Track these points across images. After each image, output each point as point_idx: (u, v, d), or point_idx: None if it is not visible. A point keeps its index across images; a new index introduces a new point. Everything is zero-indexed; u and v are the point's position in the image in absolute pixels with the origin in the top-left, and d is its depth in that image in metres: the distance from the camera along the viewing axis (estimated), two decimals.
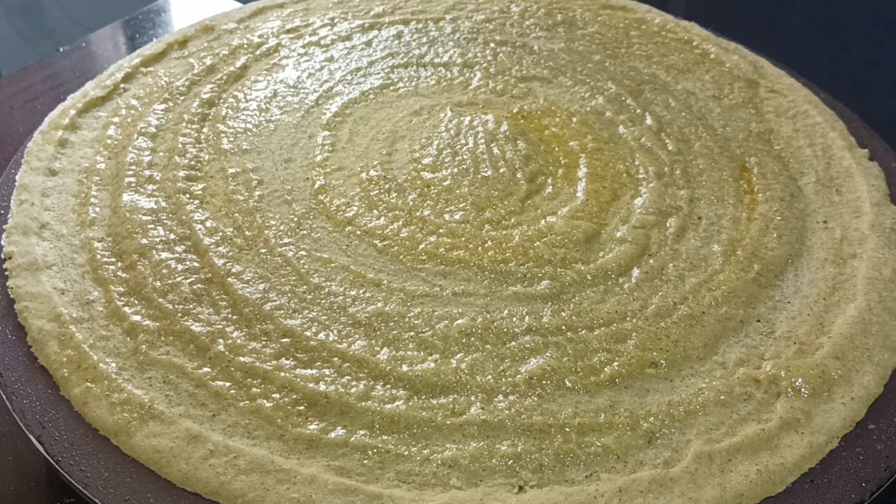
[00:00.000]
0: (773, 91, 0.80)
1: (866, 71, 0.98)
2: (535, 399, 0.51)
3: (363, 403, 0.51)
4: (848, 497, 0.48)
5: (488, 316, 0.57)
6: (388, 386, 0.52)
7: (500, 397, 0.51)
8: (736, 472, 0.48)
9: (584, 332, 0.56)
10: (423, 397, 0.51)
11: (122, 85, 0.80)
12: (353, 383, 0.52)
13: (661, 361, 0.54)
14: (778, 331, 0.57)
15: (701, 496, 0.47)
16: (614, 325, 0.56)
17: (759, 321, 0.58)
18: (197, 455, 0.48)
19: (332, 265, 0.60)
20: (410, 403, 0.51)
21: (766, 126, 0.76)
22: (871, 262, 0.61)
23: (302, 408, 0.51)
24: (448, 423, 0.50)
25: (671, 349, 0.55)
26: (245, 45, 0.86)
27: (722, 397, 0.52)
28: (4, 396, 0.52)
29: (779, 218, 0.65)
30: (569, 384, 0.52)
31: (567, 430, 0.50)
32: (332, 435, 0.49)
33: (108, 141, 0.72)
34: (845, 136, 0.74)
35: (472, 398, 0.51)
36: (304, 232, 0.63)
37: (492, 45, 0.87)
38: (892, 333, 0.57)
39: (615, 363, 0.54)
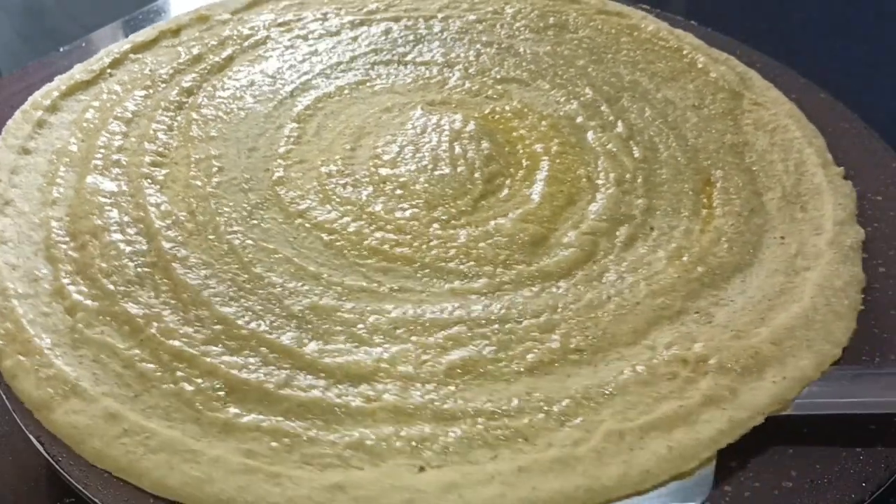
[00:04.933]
0: (756, 104, 0.78)
1: (866, 71, 0.96)
2: (453, 388, 0.51)
3: (282, 391, 0.51)
4: (848, 497, 0.47)
5: (419, 310, 0.56)
6: (310, 376, 0.52)
7: (418, 385, 0.52)
8: (646, 449, 0.47)
9: (511, 324, 0.55)
10: (342, 386, 0.52)
11: (108, 70, 0.81)
12: (276, 372, 0.52)
13: (586, 347, 0.54)
14: (716, 321, 0.56)
15: (603, 473, 0.46)
16: (543, 316, 0.56)
17: (697, 313, 0.57)
18: (111, 433, 0.49)
19: (276, 256, 0.61)
20: (328, 393, 0.51)
21: (742, 138, 0.74)
22: (823, 274, 0.59)
23: (222, 393, 0.51)
24: (360, 409, 0.50)
25: (599, 336, 0.55)
26: (234, 37, 0.87)
27: (644, 377, 0.51)
28: (4, 396, 0.53)
29: (732, 232, 0.64)
30: (488, 374, 0.52)
31: (478, 415, 0.49)
32: (246, 419, 0.50)
33: (85, 124, 0.74)
34: (822, 153, 0.71)
35: (390, 386, 0.52)
36: (255, 221, 0.64)
37: (477, 45, 0.87)
38: (837, 332, 0.55)
39: (537, 351, 0.53)
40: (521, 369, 0.52)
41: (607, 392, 0.51)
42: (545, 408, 0.50)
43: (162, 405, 0.51)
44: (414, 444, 0.48)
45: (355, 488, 0.46)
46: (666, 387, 0.51)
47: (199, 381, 0.52)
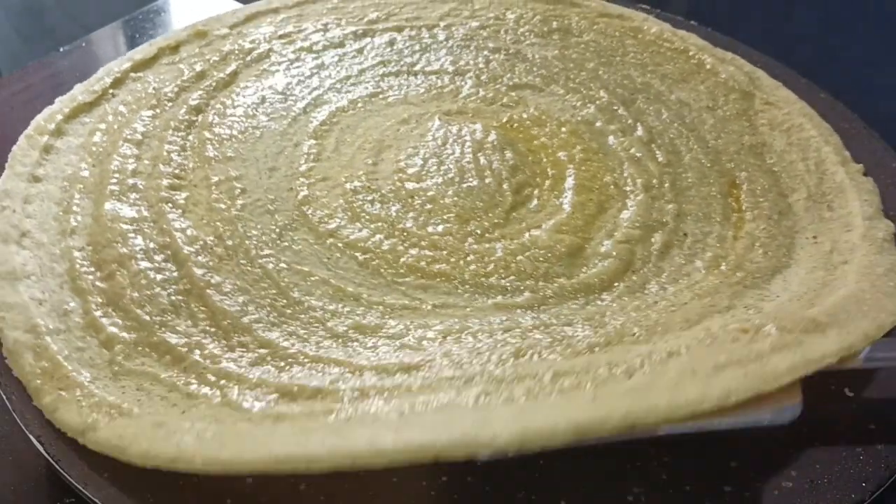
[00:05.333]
0: (768, 103, 0.79)
1: (866, 71, 0.97)
2: (511, 364, 0.50)
3: (336, 384, 0.50)
4: (848, 497, 0.47)
5: (466, 323, 0.56)
6: (366, 374, 0.51)
7: (477, 365, 0.50)
8: (723, 377, 0.46)
9: (563, 327, 0.55)
10: (398, 376, 0.51)
11: (110, 90, 0.79)
12: (328, 376, 0.52)
13: (641, 333, 0.53)
14: (766, 311, 0.56)
15: (683, 392, 0.45)
16: (594, 318, 0.56)
17: (745, 307, 0.57)
18: (159, 436, 0.48)
19: (313, 279, 0.60)
20: (385, 381, 0.50)
21: (759, 139, 0.75)
22: (862, 264, 0.59)
23: (274, 396, 0.50)
24: (421, 385, 0.49)
25: (651, 325, 0.54)
26: (236, 51, 0.85)
27: (707, 342, 0.50)
28: (4, 396, 0.52)
29: (765, 236, 0.64)
30: (546, 356, 0.51)
31: (541, 377, 0.48)
32: (300, 409, 0.49)
33: (94, 148, 0.71)
34: (839, 151, 0.72)
35: (446, 368, 0.51)
36: (286, 244, 0.63)
37: (485, 52, 0.86)
38: (889, 305, 0.55)
39: (593, 339, 0.52)
40: (579, 350, 0.51)
41: (671, 352, 0.49)
42: (608, 368, 0.48)
43: (211, 414, 0.49)
44: (479, 396, 0.47)
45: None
46: (731, 346, 0.49)
47: (249, 392, 0.51)
